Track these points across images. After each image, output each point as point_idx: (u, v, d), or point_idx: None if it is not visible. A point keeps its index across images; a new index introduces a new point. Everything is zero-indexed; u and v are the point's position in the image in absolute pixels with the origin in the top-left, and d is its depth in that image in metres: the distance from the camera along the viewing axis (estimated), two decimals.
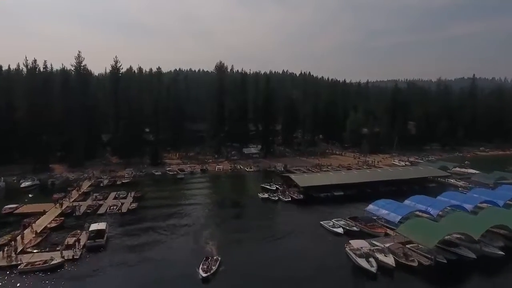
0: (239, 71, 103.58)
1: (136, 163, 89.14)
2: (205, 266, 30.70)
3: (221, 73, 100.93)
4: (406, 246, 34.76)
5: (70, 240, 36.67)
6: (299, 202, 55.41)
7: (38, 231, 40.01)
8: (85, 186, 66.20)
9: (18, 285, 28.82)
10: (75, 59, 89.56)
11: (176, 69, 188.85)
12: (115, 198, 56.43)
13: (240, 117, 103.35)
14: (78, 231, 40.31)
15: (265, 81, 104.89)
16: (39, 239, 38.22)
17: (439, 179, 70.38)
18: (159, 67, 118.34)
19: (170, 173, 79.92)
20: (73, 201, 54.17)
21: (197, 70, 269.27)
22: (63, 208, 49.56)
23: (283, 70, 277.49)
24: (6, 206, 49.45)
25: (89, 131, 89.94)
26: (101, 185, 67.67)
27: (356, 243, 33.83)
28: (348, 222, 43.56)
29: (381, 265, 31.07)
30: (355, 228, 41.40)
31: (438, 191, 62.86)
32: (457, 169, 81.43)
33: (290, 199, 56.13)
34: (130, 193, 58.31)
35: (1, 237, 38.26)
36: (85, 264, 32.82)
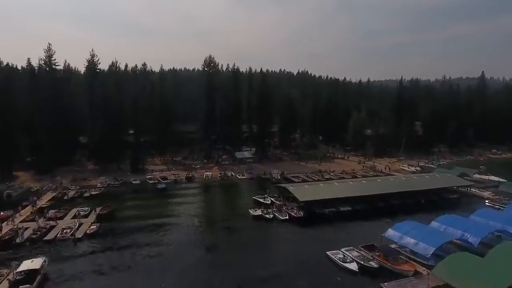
0: (232, 68, 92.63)
1: (114, 169, 79.03)
2: None
3: (211, 68, 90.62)
4: None
5: None
6: (298, 221, 45.47)
7: None
8: (46, 199, 56.03)
9: None
10: (45, 52, 79.00)
11: (170, 68, 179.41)
12: (74, 216, 46.28)
13: (233, 117, 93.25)
14: (5, 270, 30.16)
15: (261, 77, 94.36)
16: None
17: (460, 188, 60.86)
18: (144, 63, 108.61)
19: (150, 181, 69.74)
20: (20, 222, 43.92)
21: (191, 69, 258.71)
22: (2, 233, 39.32)
23: (280, 70, 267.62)
24: None
25: (63, 133, 79.31)
26: (66, 197, 57.44)
27: None
28: (363, 253, 33.71)
29: None
30: (373, 264, 31.53)
31: (463, 205, 53.94)
32: (477, 175, 71.92)
33: (287, 217, 46.18)
34: (95, 210, 48.08)
35: None
36: None
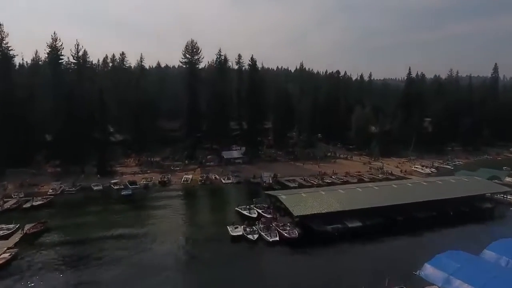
0: (218, 55, 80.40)
1: (78, 172, 67.08)
2: None
3: (194, 54, 78.29)
4: None
5: None
6: (292, 243, 33.71)
7: None
8: None
9: None
10: None
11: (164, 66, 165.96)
12: None
13: (221, 112, 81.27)
14: None
15: (251, 66, 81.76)
16: None
17: (495, 195, 49.31)
18: (122, 52, 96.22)
19: (115, 187, 57.71)
20: None
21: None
22: None
23: (277, 67, 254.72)
24: None
25: (19, 129, 67.19)
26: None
27: None
28: None
29: None
30: None
31: (502, 217, 42.53)
32: (508, 179, 60.32)
33: (277, 237, 34.41)
34: (22, 229, 36.21)
35: None
36: None
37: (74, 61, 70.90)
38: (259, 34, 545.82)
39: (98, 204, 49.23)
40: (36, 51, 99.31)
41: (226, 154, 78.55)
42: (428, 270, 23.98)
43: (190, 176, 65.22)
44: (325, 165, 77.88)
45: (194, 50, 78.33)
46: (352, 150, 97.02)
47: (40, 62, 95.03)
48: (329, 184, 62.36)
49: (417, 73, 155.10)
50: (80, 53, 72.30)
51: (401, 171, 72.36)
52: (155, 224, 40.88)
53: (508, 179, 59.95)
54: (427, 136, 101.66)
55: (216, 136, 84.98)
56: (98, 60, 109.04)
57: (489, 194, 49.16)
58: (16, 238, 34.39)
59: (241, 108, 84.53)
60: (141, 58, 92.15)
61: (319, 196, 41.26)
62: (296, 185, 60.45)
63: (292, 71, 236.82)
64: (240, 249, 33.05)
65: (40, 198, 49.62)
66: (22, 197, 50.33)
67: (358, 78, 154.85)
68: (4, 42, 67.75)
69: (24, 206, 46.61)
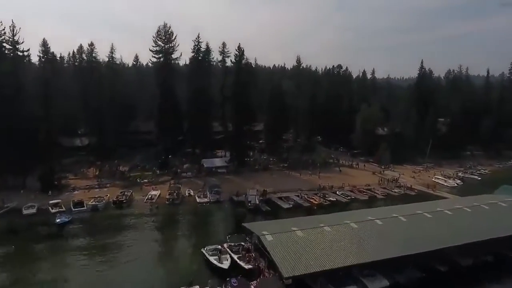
0: (196, 41, 66.03)
1: (18, 187, 53.42)
2: None
3: (166, 42, 64.11)
4: None
5: None
6: None
7: None
8: None
9: None
10: None
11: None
12: None
13: (200, 111, 67.66)
14: None
15: (238, 56, 66.98)
16: None
17: None
18: (91, 42, 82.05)
19: (52, 210, 43.89)
20: None
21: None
22: None
23: (274, 65, 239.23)
24: None
25: None
26: None
27: None
28: None
29: None
30: None
31: None
32: None
33: None
34: None
35: None
36: None
37: (9, 46, 56.21)
38: (255, 35, 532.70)
39: (13, 239, 35.38)
40: None
41: (206, 163, 64.82)
42: None
43: (158, 193, 51.54)
44: (327, 175, 64.51)
45: (167, 36, 64.23)
46: (356, 155, 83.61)
47: None
48: (332, 203, 49.38)
49: (424, 69, 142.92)
50: (21, 40, 57.26)
51: (434, 187, 57.93)
52: (83, 278, 27.17)
53: None
54: (442, 139, 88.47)
55: (197, 140, 71.36)
56: (69, 54, 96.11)
57: None
58: None
59: (226, 106, 70.65)
60: (111, 49, 77.81)
61: (321, 237, 27.65)
62: (291, 205, 47.19)
63: (289, 68, 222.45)
64: None
65: None
66: None
67: (360, 75, 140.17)
68: None
69: None
